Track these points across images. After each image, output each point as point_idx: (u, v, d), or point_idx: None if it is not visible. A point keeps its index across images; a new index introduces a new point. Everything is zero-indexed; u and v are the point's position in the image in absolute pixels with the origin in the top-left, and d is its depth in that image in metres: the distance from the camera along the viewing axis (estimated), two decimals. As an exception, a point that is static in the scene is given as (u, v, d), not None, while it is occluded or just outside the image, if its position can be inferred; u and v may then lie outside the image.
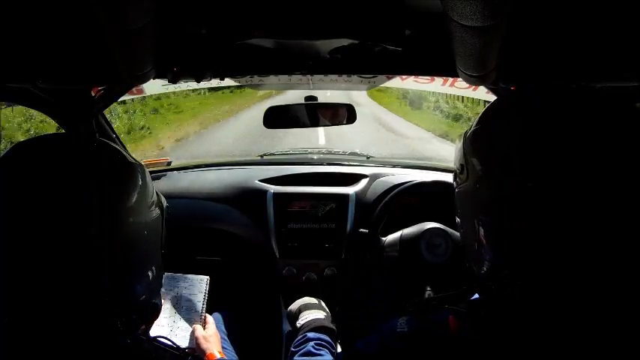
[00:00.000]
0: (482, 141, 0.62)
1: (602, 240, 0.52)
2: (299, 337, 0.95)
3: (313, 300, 1.09)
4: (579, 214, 0.52)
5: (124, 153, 0.66)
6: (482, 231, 0.60)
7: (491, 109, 0.65)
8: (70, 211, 0.56)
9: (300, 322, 1.01)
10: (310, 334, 0.94)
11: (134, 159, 0.69)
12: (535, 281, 0.56)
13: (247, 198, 1.53)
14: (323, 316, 1.01)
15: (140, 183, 0.65)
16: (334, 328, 0.98)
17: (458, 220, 0.70)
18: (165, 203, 0.76)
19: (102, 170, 0.61)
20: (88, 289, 0.58)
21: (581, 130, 0.53)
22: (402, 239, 1.18)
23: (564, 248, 0.53)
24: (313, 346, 0.90)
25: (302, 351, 0.90)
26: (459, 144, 0.68)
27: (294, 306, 1.09)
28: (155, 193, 0.71)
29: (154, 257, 0.70)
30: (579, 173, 0.52)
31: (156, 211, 0.70)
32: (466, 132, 0.67)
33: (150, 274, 0.68)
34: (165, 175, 1.68)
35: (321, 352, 0.89)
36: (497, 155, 0.58)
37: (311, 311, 1.03)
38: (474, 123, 0.66)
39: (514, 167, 0.55)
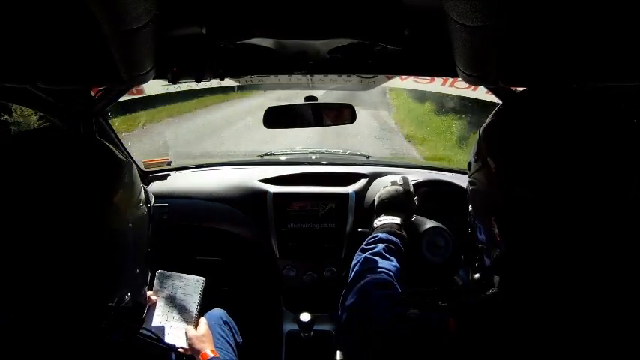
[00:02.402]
0: (500, 141, 0.62)
1: (614, 246, 0.52)
2: (372, 235, 0.95)
3: (401, 199, 1.06)
4: (590, 218, 0.52)
5: (113, 150, 0.66)
6: (495, 229, 0.61)
7: (511, 108, 0.65)
8: (53, 206, 0.56)
9: (376, 223, 1.01)
10: (382, 235, 0.94)
11: (129, 156, 0.69)
12: (543, 281, 0.56)
13: (247, 198, 1.54)
14: (399, 222, 1.00)
15: (127, 180, 0.65)
16: (405, 235, 0.97)
17: (470, 213, 0.70)
18: (152, 202, 0.77)
19: (87, 166, 0.61)
20: (70, 286, 0.58)
21: (592, 134, 0.54)
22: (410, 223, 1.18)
23: (574, 253, 0.53)
24: (384, 249, 0.90)
25: (373, 250, 0.90)
26: (477, 137, 0.68)
27: (379, 198, 1.07)
28: (143, 191, 0.72)
29: (140, 254, 0.70)
30: (590, 178, 0.52)
31: (143, 209, 0.70)
32: (484, 126, 0.67)
33: (134, 270, 0.69)
34: (165, 175, 1.68)
35: (391, 257, 0.88)
36: (512, 156, 0.58)
37: (390, 215, 1.02)
38: (490, 118, 0.66)
39: (528, 169, 0.55)
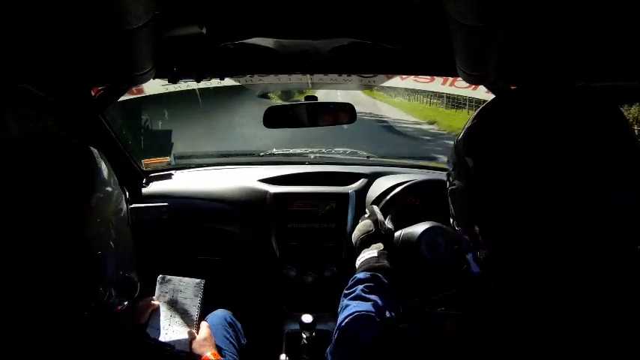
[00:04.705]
0: (477, 140, 0.62)
1: (599, 242, 0.52)
2: (352, 278, 0.94)
3: (372, 231, 1.05)
4: (575, 215, 0.52)
5: (91, 150, 0.67)
6: (476, 229, 0.60)
7: (488, 108, 0.65)
8: (32, 206, 0.57)
9: (357, 263, 1.00)
10: (361, 275, 0.93)
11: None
12: (529, 282, 0.56)
13: (247, 198, 1.54)
14: (377, 253, 0.98)
15: (103, 181, 0.66)
16: (387, 265, 0.95)
17: (452, 217, 0.69)
18: (127, 193, 0.78)
19: (65, 166, 0.62)
20: (51, 278, 0.58)
21: (579, 133, 0.53)
22: (402, 237, 1.18)
23: (561, 250, 0.53)
24: (363, 290, 0.89)
25: (352, 295, 0.89)
26: (454, 141, 0.67)
27: (355, 238, 1.07)
28: (122, 193, 0.73)
29: (122, 255, 0.71)
30: (573, 177, 0.51)
31: (121, 211, 0.71)
32: (462, 130, 0.67)
33: (117, 271, 0.69)
34: (165, 174, 1.68)
35: (371, 297, 0.87)
36: (492, 155, 0.58)
37: (366, 250, 1.01)
38: (470, 120, 0.65)
39: (507, 169, 0.55)
